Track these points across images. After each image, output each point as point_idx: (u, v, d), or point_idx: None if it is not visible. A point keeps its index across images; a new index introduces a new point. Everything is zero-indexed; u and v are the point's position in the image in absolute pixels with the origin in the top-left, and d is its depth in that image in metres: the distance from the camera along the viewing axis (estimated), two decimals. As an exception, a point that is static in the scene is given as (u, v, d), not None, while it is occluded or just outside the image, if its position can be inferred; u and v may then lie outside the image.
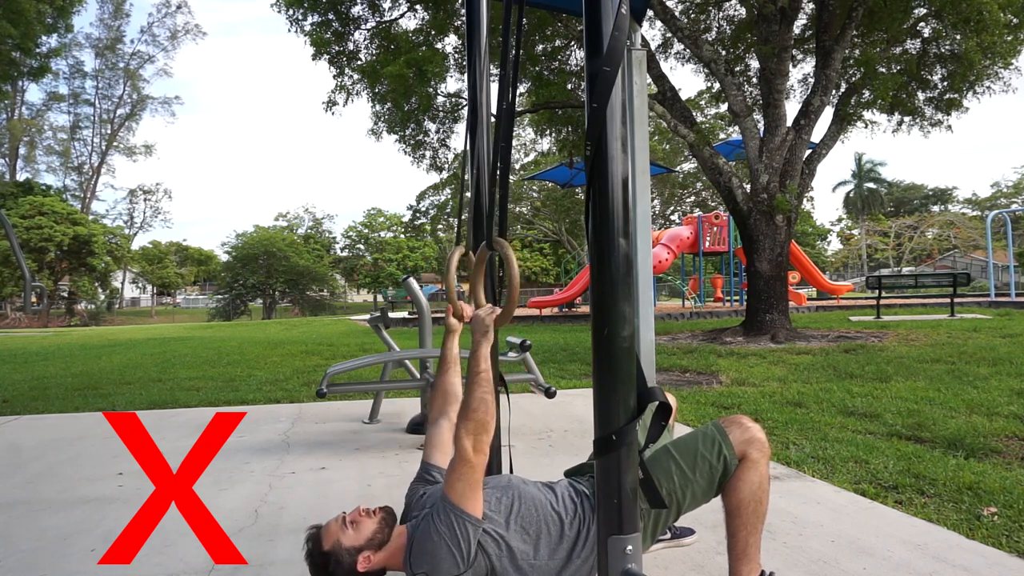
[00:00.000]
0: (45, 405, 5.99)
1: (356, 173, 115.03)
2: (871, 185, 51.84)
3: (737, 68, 11.64)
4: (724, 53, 11.21)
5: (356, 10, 11.34)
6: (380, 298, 49.65)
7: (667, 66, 18.34)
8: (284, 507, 2.94)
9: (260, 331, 16.79)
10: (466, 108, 2.54)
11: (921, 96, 10.91)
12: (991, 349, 7.36)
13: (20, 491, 3.30)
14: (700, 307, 18.99)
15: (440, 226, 43.86)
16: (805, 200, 17.34)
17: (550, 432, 4.34)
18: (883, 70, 10.41)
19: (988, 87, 10.54)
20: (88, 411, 5.60)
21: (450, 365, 2.08)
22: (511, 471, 2.28)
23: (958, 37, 10.01)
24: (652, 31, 12.53)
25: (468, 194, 2.38)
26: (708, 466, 1.79)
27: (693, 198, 32.44)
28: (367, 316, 8.95)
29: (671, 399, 2.28)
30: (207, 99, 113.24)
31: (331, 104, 11.89)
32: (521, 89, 11.55)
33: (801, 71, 15.80)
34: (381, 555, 1.74)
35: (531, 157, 31.63)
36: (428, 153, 12.93)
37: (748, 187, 10.29)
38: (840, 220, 55.30)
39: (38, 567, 2.35)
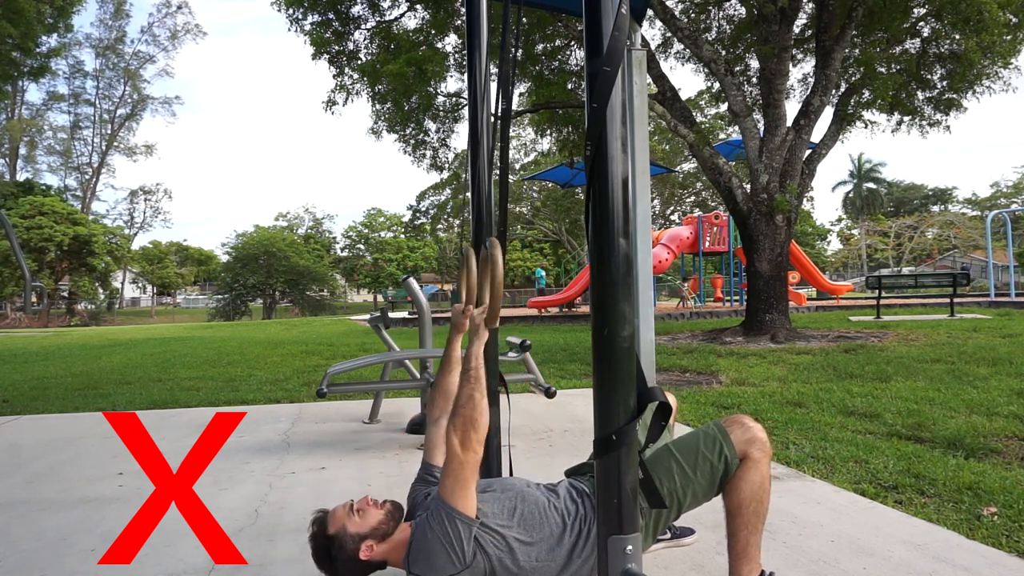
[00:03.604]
0: (45, 405, 5.99)
1: (356, 173, 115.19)
2: (871, 185, 51.85)
3: (737, 68, 11.64)
4: (724, 53, 11.20)
5: (356, 10, 11.34)
6: (380, 298, 49.67)
7: (667, 66, 18.34)
8: (284, 507, 2.94)
9: (260, 331, 16.78)
10: (466, 108, 2.54)
11: (920, 96, 10.92)
12: (991, 349, 7.36)
13: (20, 491, 3.30)
14: (700, 307, 18.98)
15: (440, 226, 43.87)
16: (805, 200, 17.31)
17: (550, 432, 4.34)
18: (883, 70, 10.41)
19: (988, 87, 10.55)
20: (88, 411, 5.60)
21: (453, 366, 2.05)
22: (511, 471, 2.28)
23: (958, 37, 10.02)
24: (652, 31, 12.54)
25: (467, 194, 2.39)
26: (709, 465, 1.79)
27: (693, 198, 32.44)
28: (367, 316, 8.95)
29: (671, 399, 2.29)
30: (207, 99, 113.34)
31: (331, 104, 11.89)
32: (521, 89, 11.54)
33: (801, 71, 15.85)
34: (383, 547, 1.75)
35: (531, 157, 31.65)
36: (428, 153, 12.94)
37: (748, 187, 10.29)
38: (840, 220, 55.35)
39: (38, 567, 2.35)
